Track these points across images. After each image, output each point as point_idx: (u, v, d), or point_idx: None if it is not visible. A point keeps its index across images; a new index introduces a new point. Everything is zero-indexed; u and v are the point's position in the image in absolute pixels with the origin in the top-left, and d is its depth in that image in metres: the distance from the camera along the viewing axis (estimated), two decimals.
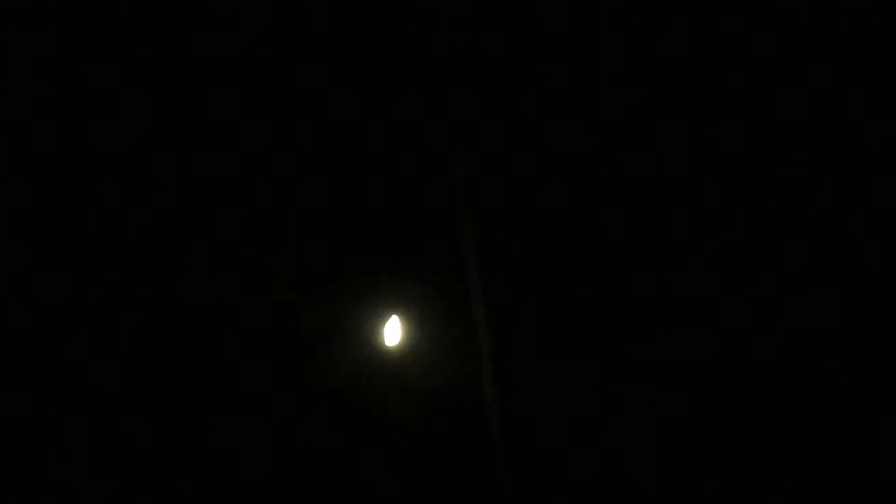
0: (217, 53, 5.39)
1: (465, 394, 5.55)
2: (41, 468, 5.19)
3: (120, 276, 5.35)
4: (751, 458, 5.15)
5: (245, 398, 5.37)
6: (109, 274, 5.34)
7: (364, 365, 5.53)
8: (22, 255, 5.37)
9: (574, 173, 5.48)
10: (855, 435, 5.08)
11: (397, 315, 5.57)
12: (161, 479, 5.23)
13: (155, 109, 5.42)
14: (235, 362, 5.40)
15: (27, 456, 5.20)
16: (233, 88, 5.43)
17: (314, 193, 5.55)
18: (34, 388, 5.26)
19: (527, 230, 5.58)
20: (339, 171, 5.56)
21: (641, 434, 5.33)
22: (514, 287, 5.52)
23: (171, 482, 5.24)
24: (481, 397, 5.48)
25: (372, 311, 5.59)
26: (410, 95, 5.56)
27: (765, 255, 5.25)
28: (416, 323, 5.63)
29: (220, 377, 5.38)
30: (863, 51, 5.26)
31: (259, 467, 5.33)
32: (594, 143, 5.41)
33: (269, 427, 5.37)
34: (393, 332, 5.58)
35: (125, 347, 5.31)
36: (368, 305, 5.58)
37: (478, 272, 5.49)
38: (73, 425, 5.26)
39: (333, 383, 5.55)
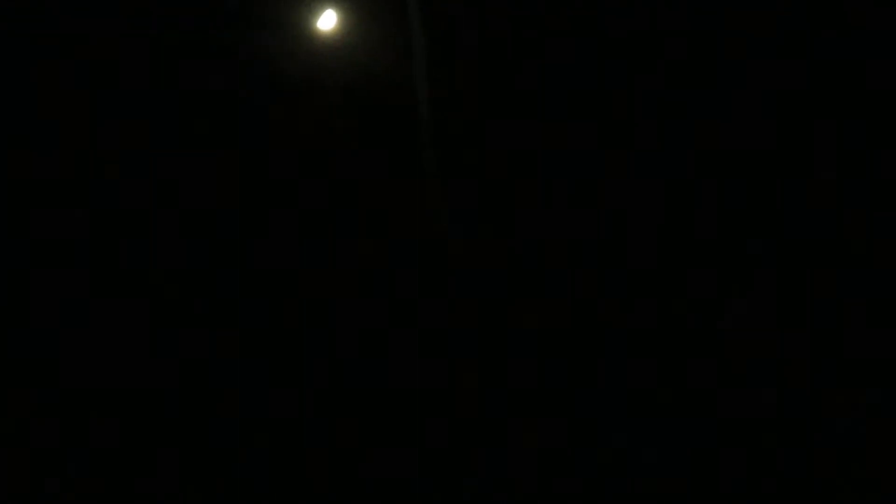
0: None
1: (397, 86, 5.52)
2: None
3: None
4: None
5: None
6: None
7: (297, 50, 5.50)
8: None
9: None
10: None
11: (333, 4, 5.53)
12: None
13: None
14: None
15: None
16: None
17: None
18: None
19: None
20: None
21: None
22: None
23: None
24: (413, 90, 5.45)
25: None
26: None
27: None
28: (352, 12, 5.58)
29: None
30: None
31: None
32: None
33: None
34: (328, 18, 5.56)
35: None
36: None
37: None
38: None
39: (267, 67, 5.52)
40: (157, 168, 5.49)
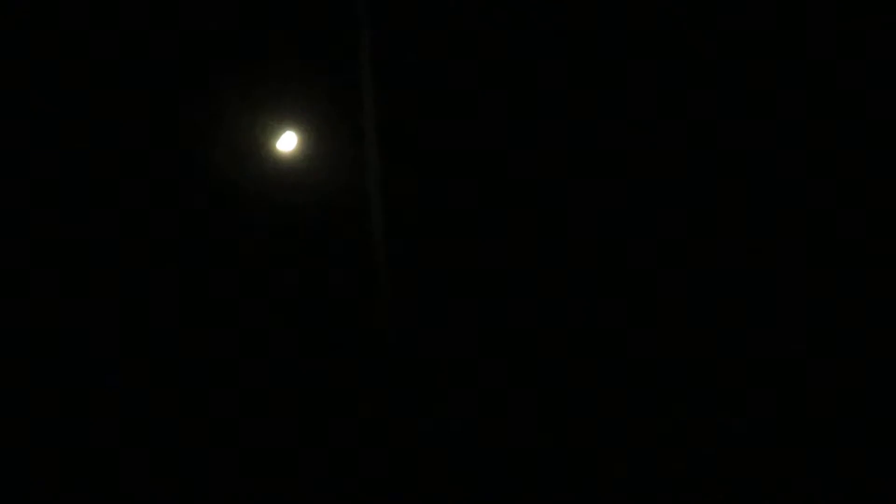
0: None
1: (353, 204, 5.73)
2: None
3: None
4: None
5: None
6: None
7: (257, 171, 5.67)
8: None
9: None
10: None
11: (291, 125, 5.71)
12: None
13: None
14: None
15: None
16: None
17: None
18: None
19: (425, 47, 5.64)
20: None
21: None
22: (406, 106, 5.59)
23: None
24: (368, 208, 5.58)
25: (267, 119, 5.74)
26: None
27: None
28: (310, 134, 5.75)
29: None
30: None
31: None
32: None
33: None
34: (287, 141, 5.74)
35: None
36: (264, 114, 5.72)
37: (372, 86, 5.54)
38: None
39: (228, 187, 5.71)
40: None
